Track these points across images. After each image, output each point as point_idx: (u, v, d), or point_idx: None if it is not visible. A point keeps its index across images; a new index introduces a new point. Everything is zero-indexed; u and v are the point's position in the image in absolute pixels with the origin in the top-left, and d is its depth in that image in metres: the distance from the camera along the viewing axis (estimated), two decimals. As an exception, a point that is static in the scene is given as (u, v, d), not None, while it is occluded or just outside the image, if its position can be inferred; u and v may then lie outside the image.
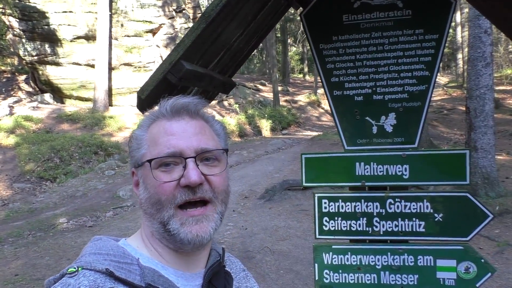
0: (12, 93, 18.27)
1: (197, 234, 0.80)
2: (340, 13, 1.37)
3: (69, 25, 16.79)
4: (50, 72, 17.15)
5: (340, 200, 1.38)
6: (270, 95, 20.49)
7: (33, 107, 15.29)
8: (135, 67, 18.17)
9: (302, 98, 20.55)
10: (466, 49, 23.68)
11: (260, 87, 22.39)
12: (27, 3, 16.40)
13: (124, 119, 14.48)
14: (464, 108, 18.84)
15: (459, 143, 11.54)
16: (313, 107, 19.82)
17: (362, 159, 1.36)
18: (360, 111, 1.36)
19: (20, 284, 4.85)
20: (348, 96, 1.37)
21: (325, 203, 1.39)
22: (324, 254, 1.40)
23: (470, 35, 6.23)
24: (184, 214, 0.81)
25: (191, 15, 21.05)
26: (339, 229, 1.39)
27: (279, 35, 26.26)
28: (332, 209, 1.38)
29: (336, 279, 1.39)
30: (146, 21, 18.06)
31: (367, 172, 1.35)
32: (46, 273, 5.11)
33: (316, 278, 1.41)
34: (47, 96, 17.18)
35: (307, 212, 6.51)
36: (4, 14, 16.12)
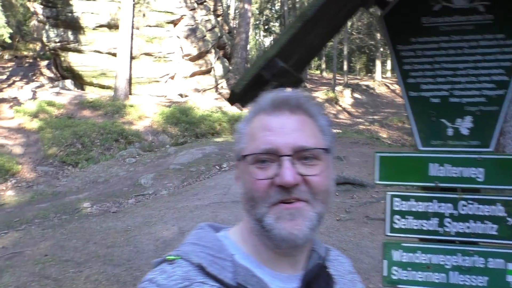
0: (34, 78, 18.55)
1: (290, 232, 0.76)
2: (419, 15, 1.39)
3: (92, 13, 16.96)
4: (72, 59, 17.37)
5: (412, 199, 1.41)
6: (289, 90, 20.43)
7: (56, 92, 15.52)
8: (155, 57, 18.29)
9: (320, 95, 20.49)
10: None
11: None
12: (52, -10, 16.59)
13: (144, 108, 14.62)
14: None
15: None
16: (331, 104, 19.75)
17: (436, 160, 1.38)
18: (436, 112, 1.39)
19: (50, 264, 4.98)
20: (425, 97, 1.40)
21: (397, 201, 1.42)
22: (393, 252, 1.43)
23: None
24: (279, 207, 0.77)
25: (211, 7, 21.07)
26: (410, 227, 1.42)
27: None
28: (404, 207, 1.42)
29: (405, 276, 1.43)
30: (168, 12, 18.14)
31: (441, 173, 1.38)
32: (74, 255, 5.24)
33: (385, 274, 1.45)
34: (68, 83, 17.42)
35: (330, 209, 6.53)
36: (29, 0, 16.34)
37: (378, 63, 26.20)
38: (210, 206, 6.99)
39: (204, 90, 19.43)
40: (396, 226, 1.43)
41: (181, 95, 18.39)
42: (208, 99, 18.26)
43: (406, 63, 1.41)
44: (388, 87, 24.22)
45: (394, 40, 1.42)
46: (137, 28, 17.04)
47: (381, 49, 24.79)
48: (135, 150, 11.42)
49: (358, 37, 25.01)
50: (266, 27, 31.67)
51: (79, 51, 17.30)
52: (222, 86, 20.07)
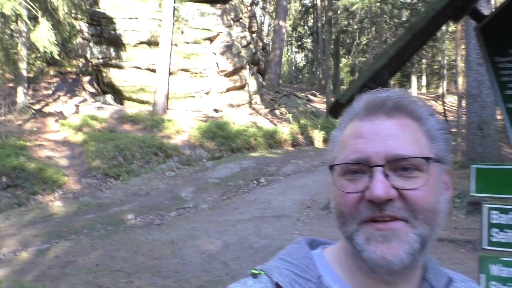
0: (77, 93, 19.34)
1: (383, 256, 0.66)
2: (519, 29, 1.40)
3: (133, 30, 17.60)
4: (113, 75, 18.02)
5: (511, 212, 1.39)
6: (321, 106, 20.42)
7: (97, 107, 16.10)
8: (191, 73, 18.72)
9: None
10: None
11: (311, 97, 22.38)
12: (98, 9, 17.37)
13: (181, 123, 14.93)
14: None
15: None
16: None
17: (537, 174, 1.37)
18: (537, 126, 1.38)
19: (102, 274, 5.12)
20: (525, 110, 1.40)
21: (495, 214, 1.41)
22: (491, 266, 1.42)
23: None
24: (370, 226, 0.67)
25: (247, 24, 21.45)
26: (510, 241, 1.40)
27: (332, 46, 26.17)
28: (502, 221, 1.40)
29: (503, 293, 1.41)
30: (205, 29, 18.59)
31: (542, 187, 1.36)
32: (123, 265, 5.37)
33: (481, 290, 1.43)
34: (109, 97, 18.05)
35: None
36: (76, 19, 17.16)
37: (413, 79, 25.81)
38: (252, 220, 7.02)
39: (238, 105, 19.67)
40: (494, 240, 1.41)
41: (216, 110, 18.69)
42: (242, 114, 18.46)
43: (504, 74, 1.42)
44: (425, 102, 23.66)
45: (491, 51, 1.43)
46: (176, 45, 17.53)
47: (416, 65, 24.42)
48: (174, 163, 11.65)
49: (393, 53, 24.74)
50: (299, 43, 31.95)
51: (120, 67, 17.94)
52: (256, 102, 20.27)
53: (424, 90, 28.81)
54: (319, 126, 16.01)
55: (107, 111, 15.84)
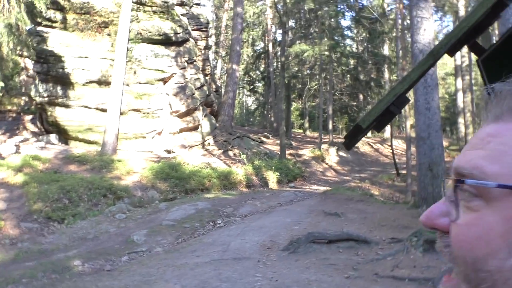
0: (17, 132, 18.24)
1: None
2: (515, 60, 1.47)
3: (83, 69, 17.17)
4: (59, 114, 17.28)
5: None
6: (274, 148, 20.69)
7: (41, 147, 15.22)
8: (143, 113, 18.41)
9: (306, 153, 20.77)
10: (468, 114, 24.49)
11: (264, 139, 22.66)
12: (45, 47, 16.83)
13: (132, 164, 14.41)
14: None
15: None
16: (318, 162, 19.98)
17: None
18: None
19: (46, 329, 4.57)
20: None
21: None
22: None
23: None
24: None
25: (200, 67, 21.70)
26: None
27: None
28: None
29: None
30: (159, 70, 18.56)
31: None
32: (71, 318, 4.85)
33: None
34: (53, 137, 17.16)
35: (336, 266, 6.36)
36: (21, 56, 16.48)
37: (359, 123, 27.01)
38: (211, 263, 6.71)
39: (191, 146, 19.46)
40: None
41: (168, 151, 18.33)
42: (196, 155, 18.24)
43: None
44: (372, 146, 24.82)
45: (491, 80, 1.48)
46: (127, 85, 17.25)
47: (364, 111, 25.68)
48: (125, 205, 11.08)
49: (340, 97, 25.96)
50: (251, 87, 32.71)
51: (67, 106, 17.27)
52: (209, 143, 20.18)
53: (369, 134, 30.22)
54: (273, 167, 16.11)
55: (51, 151, 14.99)
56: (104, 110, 16.41)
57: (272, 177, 15.69)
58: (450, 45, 1.22)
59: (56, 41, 17.03)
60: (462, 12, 19.68)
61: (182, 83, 19.25)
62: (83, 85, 17.33)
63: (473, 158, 0.47)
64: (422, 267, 6.20)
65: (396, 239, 7.16)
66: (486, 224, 0.43)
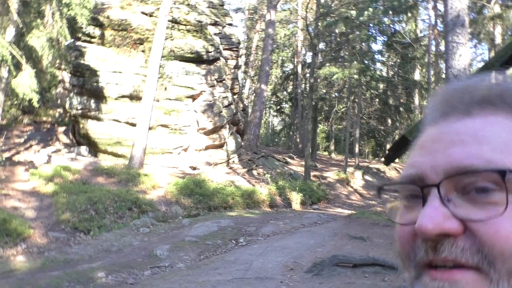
0: (50, 143, 18.82)
1: None
2: None
3: (116, 84, 17.70)
4: (90, 126, 17.78)
5: None
6: (298, 169, 20.56)
7: (71, 158, 15.63)
8: (171, 129, 18.72)
9: (331, 175, 20.54)
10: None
11: (289, 160, 22.59)
12: (82, 61, 17.49)
13: (158, 178, 14.60)
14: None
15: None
16: (342, 185, 19.72)
17: None
18: None
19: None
20: None
21: None
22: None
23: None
24: (425, 274, 0.48)
25: (229, 85, 22.01)
26: None
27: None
28: None
29: None
30: (188, 87, 18.92)
31: None
32: (93, 329, 4.87)
33: None
34: (83, 149, 17.64)
35: (361, 292, 6.19)
36: (59, 69, 17.15)
37: (388, 147, 26.69)
38: (233, 281, 6.65)
39: (216, 164, 19.58)
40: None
41: (192, 167, 18.50)
42: (220, 172, 18.32)
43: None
44: (398, 171, 24.32)
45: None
46: (157, 100, 17.64)
47: (390, 136, 25.35)
48: (149, 219, 11.18)
49: (367, 121, 25.72)
50: (278, 107, 32.88)
51: (98, 119, 17.76)
52: (233, 161, 20.25)
53: (397, 159, 29.68)
54: (297, 188, 15.98)
55: (81, 162, 15.38)
56: (133, 124, 16.78)
57: (295, 198, 15.56)
58: (505, 58, 1.20)
59: (93, 55, 17.68)
60: (498, 40, 19.30)
61: (211, 101, 19.53)
62: (115, 99, 17.83)
63: (471, 151, 0.46)
64: None
65: (424, 269, 6.92)
66: None
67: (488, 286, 0.44)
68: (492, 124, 0.48)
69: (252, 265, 7.50)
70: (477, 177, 0.45)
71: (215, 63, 20.18)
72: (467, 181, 0.45)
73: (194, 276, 7.03)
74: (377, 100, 24.74)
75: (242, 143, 21.76)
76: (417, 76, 25.40)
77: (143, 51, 18.19)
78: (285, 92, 30.85)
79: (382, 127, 25.33)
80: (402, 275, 7.00)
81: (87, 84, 17.52)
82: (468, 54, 8.88)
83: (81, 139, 18.29)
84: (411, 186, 0.49)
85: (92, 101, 17.75)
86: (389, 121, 25.83)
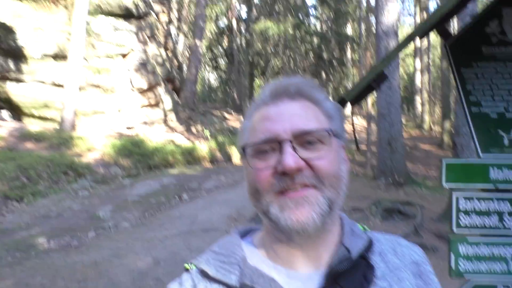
0: (-34, 107, 17.21)
1: (297, 220, 0.72)
2: (480, 45, 1.66)
3: (38, 42, 16.31)
4: (11, 89, 16.41)
5: (475, 199, 1.62)
6: (236, 124, 20.79)
7: (-7, 123, 14.49)
8: (103, 89, 17.85)
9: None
10: (424, 93, 25.56)
11: (227, 115, 22.69)
12: (-5, 17, 15.82)
13: (93, 141, 14.08)
14: (423, 146, 19.98)
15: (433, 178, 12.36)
16: (280, 139, 20.30)
17: (495, 165, 1.62)
18: (494, 125, 1.64)
19: (18, 304, 4.58)
20: (485, 113, 1.65)
21: (462, 201, 1.62)
22: (459, 246, 1.62)
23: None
24: (283, 197, 0.73)
25: (162, 42, 21.20)
26: (474, 224, 1.62)
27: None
28: (468, 207, 1.62)
29: (470, 268, 1.61)
30: (119, 45, 17.97)
31: (499, 176, 1.61)
32: (43, 293, 4.87)
33: (452, 267, 1.63)
34: (4, 113, 16.35)
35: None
36: (-32, 26, 15.42)
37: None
38: (180, 235, 6.85)
39: (153, 123, 19.18)
40: (461, 224, 1.62)
41: (129, 128, 18.00)
42: (158, 132, 18.04)
43: (468, 83, 1.66)
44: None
45: (457, 64, 1.67)
46: (86, 59, 16.62)
47: (324, 89, 26.10)
48: (88, 182, 10.90)
49: (303, 75, 26.28)
50: (213, 63, 32.31)
51: (20, 81, 16.42)
52: (171, 119, 19.96)
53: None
54: (236, 143, 16.25)
55: (4, 128, 14.32)
56: (61, 86, 15.78)
57: (235, 153, 15.86)
58: (424, 29, 1.39)
59: (8, 11, 16.02)
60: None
61: (143, 59, 18.79)
62: (38, 59, 16.51)
63: (305, 120, 0.77)
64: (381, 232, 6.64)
65: (357, 208, 7.59)
66: (332, 154, 0.77)
67: (321, 194, 0.74)
68: (307, 106, 0.79)
69: (198, 219, 7.73)
70: (310, 135, 0.75)
71: (146, 19, 19.25)
72: (305, 137, 0.75)
73: (141, 234, 7.14)
74: (311, 54, 25.23)
75: (179, 101, 21.41)
76: (349, 30, 26.10)
77: (65, 6, 16.81)
78: (220, 48, 30.32)
79: (317, 81, 26.05)
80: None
81: (3, 43, 15.97)
82: (396, 10, 9.34)
83: (1, 103, 16.90)
84: (270, 144, 0.76)
85: (11, 61, 16.29)
86: (323, 74, 26.57)
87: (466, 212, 1.61)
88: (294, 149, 0.74)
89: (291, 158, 0.72)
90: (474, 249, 1.60)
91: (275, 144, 0.75)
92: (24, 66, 16.31)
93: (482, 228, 1.61)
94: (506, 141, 1.62)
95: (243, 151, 0.80)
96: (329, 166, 0.75)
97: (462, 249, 1.61)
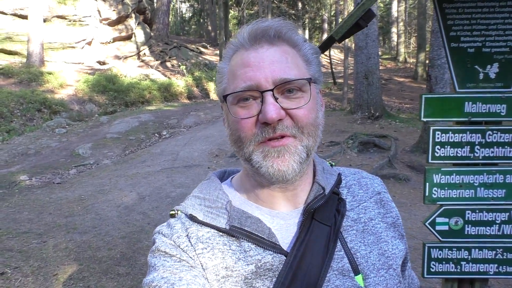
0: None
1: (278, 168, 0.76)
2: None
3: (-7, -33, 15.04)
4: (-31, 20, 15.38)
5: (450, 132, 1.74)
6: (213, 58, 20.34)
7: (-45, 58, 13.72)
8: (69, 21, 16.92)
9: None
10: (401, 23, 25.29)
11: (202, 49, 22.08)
12: None
13: (65, 76, 13.62)
14: (397, 79, 20.19)
15: (406, 110, 12.66)
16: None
17: (470, 99, 1.72)
18: (471, 60, 1.71)
19: (7, 237, 4.70)
20: (463, 47, 1.71)
21: (437, 134, 1.74)
22: (434, 175, 1.76)
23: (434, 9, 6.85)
24: (266, 145, 0.77)
25: (130, -31, 19.84)
26: (447, 155, 1.75)
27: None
28: (443, 139, 1.74)
29: (442, 195, 1.78)
30: (83, -29, 16.77)
31: (473, 109, 1.72)
32: (31, 227, 4.99)
33: (426, 195, 1.78)
34: (-35, 47, 15.44)
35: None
36: None
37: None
38: (163, 171, 6.99)
39: (126, 57, 18.55)
40: (437, 155, 1.75)
41: (101, 62, 17.38)
42: (131, 66, 17.52)
43: (449, 19, 1.70)
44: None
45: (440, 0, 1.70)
46: (49, -13, 15.53)
47: (300, 19, 25.52)
48: (63, 120, 10.73)
49: (279, 5, 25.44)
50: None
51: (-21, 11, 15.35)
52: (144, 53, 19.32)
53: (306, 44, 30.29)
54: (214, 78, 16.03)
55: (-32, 63, 13.62)
56: (24, 17, 14.86)
57: (213, 88, 15.71)
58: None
59: None
60: None
61: (112, -13, 17.69)
62: (-4, -13, 15.32)
63: (285, 68, 0.77)
64: (357, 165, 6.95)
65: (334, 142, 7.83)
66: (311, 102, 0.79)
67: (300, 144, 0.77)
68: (286, 51, 0.79)
69: (179, 155, 7.85)
70: (291, 84, 0.76)
71: None
72: (286, 86, 0.76)
73: (123, 170, 7.23)
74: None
75: (152, 34, 20.58)
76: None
77: None
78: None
79: (293, 11, 25.33)
80: (315, 150, 7.87)
81: (-45, -33, 14.67)
82: None
83: (-40, 36, 15.87)
84: (252, 92, 0.76)
85: (-34, -11, 15.08)
86: (300, 4, 25.79)
87: (442, 144, 1.73)
88: (275, 99, 0.75)
89: (273, 109, 0.73)
90: (447, 178, 1.75)
91: (257, 93, 0.76)
92: (-19, -5, 15.17)
93: (455, 159, 1.75)
94: (481, 76, 1.71)
95: (224, 98, 0.81)
96: (308, 115, 0.78)
97: (436, 178, 1.75)
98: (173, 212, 0.85)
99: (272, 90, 0.75)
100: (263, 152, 0.77)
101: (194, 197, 0.87)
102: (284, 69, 0.76)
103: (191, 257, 0.78)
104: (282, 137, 0.76)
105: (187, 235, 0.80)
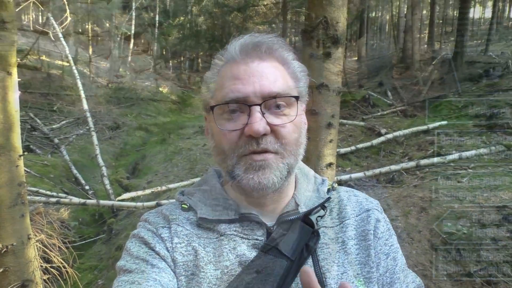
0: None
1: (259, 181, 0.77)
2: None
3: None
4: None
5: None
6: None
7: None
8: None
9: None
10: None
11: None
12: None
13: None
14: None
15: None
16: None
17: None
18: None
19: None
20: None
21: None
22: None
23: None
24: (248, 159, 0.78)
25: None
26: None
27: None
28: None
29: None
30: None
31: None
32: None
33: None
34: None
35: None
36: None
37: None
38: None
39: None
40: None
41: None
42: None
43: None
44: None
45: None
46: None
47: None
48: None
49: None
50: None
51: None
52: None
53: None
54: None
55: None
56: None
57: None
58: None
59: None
60: None
61: None
62: None
63: (275, 84, 0.79)
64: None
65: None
66: (296, 121, 0.81)
67: (282, 161, 0.79)
68: (276, 67, 0.81)
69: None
70: (279, 100, 0.78)
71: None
72: (273, 102, 0.78)
73: None
74: None
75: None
76: None
77: None
78: None
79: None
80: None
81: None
82: None
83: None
84: (240, 105, 0.78)
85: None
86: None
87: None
88: (263, 113, 0.77)
89: (259, 123, 0.75)
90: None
91: (244, 106, 0.77)
92: None
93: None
94: None
95: (210, 109, 0.82)
96: (292, 134, 0.80)
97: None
98: (185, 205, 0.87)
99: (260, 104, 0.77)
100: (245, 164, 0.78)
101: (198, 190, 0.90)
102: (274, 85, 0.78)
103: (166, 249, 0.80)
104: (265, 152, 0.77)
105: (169, 228, 0.83)
